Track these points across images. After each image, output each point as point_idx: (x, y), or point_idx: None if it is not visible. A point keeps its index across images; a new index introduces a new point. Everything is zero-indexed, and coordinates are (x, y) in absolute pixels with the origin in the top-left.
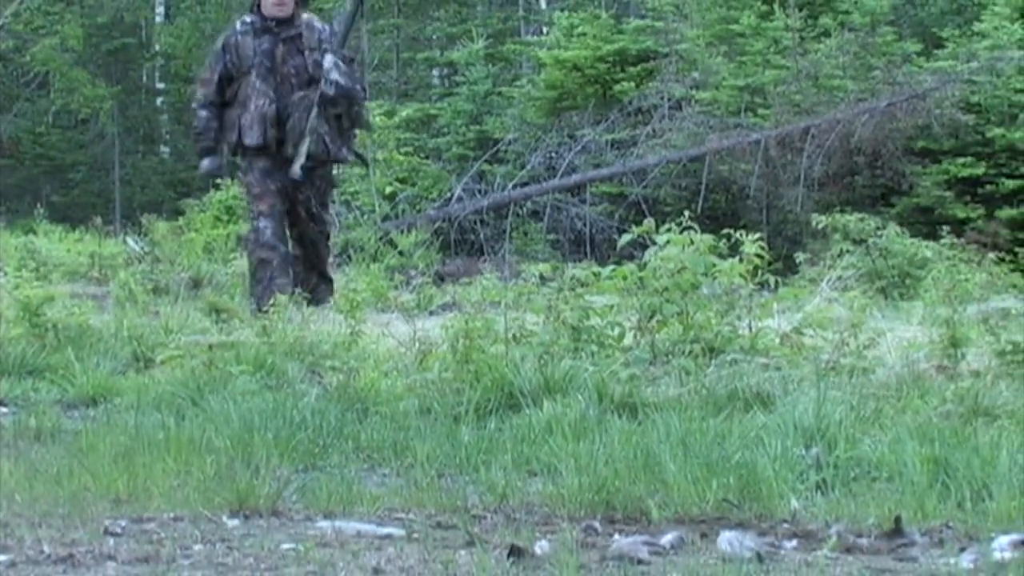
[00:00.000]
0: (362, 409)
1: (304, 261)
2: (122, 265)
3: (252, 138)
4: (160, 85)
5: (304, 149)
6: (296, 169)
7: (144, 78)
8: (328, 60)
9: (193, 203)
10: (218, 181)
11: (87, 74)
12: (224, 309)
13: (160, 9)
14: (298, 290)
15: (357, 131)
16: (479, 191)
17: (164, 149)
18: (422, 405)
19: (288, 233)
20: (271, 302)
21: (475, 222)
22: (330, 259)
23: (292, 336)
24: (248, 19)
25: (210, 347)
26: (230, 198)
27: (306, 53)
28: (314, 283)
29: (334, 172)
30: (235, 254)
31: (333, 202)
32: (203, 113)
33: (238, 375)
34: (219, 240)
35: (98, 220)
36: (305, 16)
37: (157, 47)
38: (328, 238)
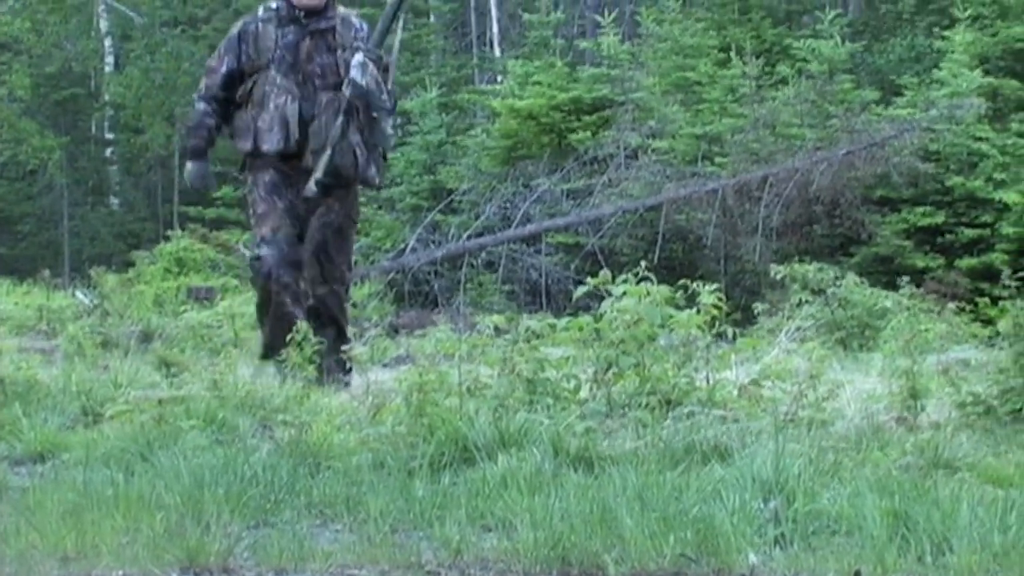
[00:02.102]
0: (314, 464)
1: (313, 315)
2: (71, 318)
3: (272, 142)
4: (109, 135)
5: (325, 161)
6: (312, 185)
7: (93, 128)
8: (357, 58)
9: (143, 255)
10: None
11: (35, 124)
12: (174, 363)
13: (110, 59)
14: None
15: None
16: (433, 241)
17: (114, 200)
18: (375, 459)
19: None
20: (280, 352)
21: (429, 273)
22: (348, 314)
23: (243, 390)
24: (273, 5)
25: (160, 402)
26: (180, 249)
27: (338, 52)
28: (326, 345)
29: (359, 199)
30: (185, 306)
31: (356, 235)
32: (200, 106)
33: (188, 430)
34: (169, 292)
35: (46, 273)
36: (341, 10)
37: (106, 97)
38: (345, 286)
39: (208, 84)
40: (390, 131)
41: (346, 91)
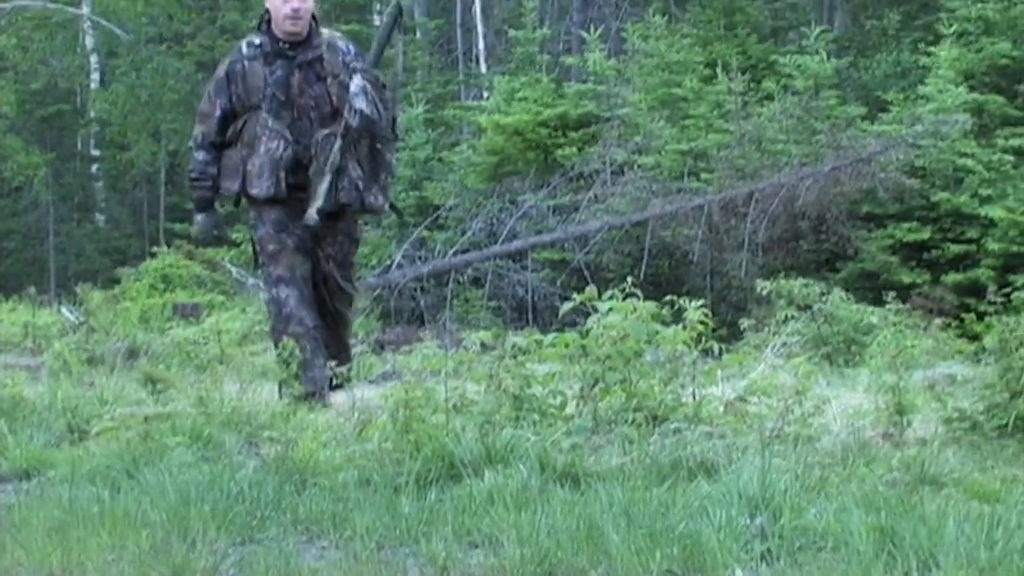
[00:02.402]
0: (300, 480)
1: (326, 333)
2: (56, 335)
3: (261, 188)
4: (95, 152)
5: (323, 189)
6: (312, 213)
7: (79, 145)
8: (355, 83)
9: (129, 271)
10: (154, 250)
11: (21, 141)
12: (160, 380)
13: (95, 75)
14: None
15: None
16: (419, 258)
17: (99, 217)
18: (362, 476)
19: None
20: (323, 387)
21: (415, 289)
22: (352, 329)
23: (229, 406)
24: (256, 41)
25: (146, 418)
26: (166, 266)
27: (328, 80)
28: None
29: (361, 225)
30: (171, 323)
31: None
32: (200, 156)
33: (174, 447)
34: (155, 309)
35: (32, 289)
36: (325, 34)
37: (92, 114)
38: (352, 305)
39: (204, 131)
40: (394, 160)
41: (351, 120)
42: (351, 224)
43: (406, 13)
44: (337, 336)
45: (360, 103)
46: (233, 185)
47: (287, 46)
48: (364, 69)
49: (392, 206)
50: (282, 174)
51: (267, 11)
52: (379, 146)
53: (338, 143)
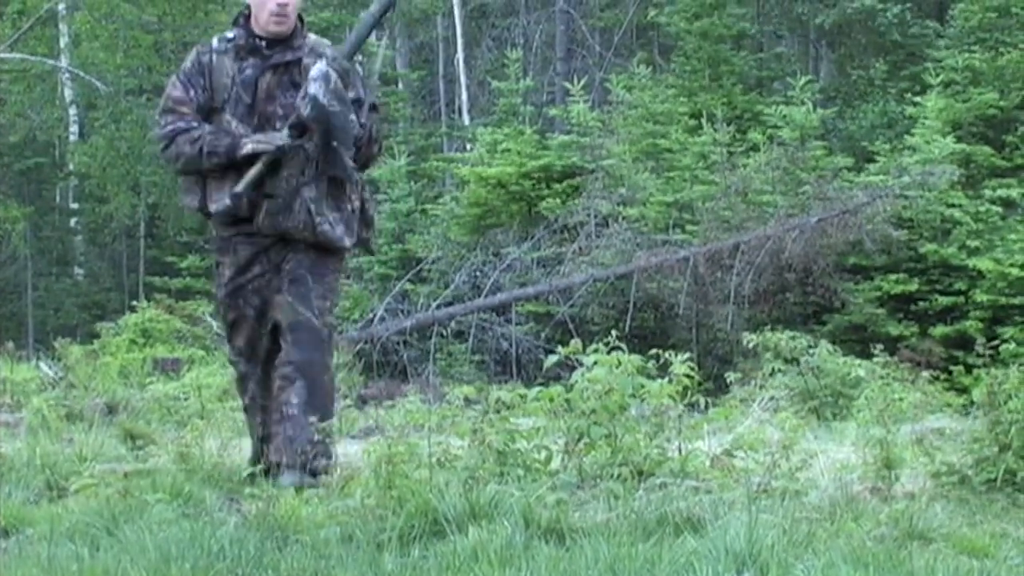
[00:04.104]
0: (282, 537)
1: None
2: (35, 391)
3: (217, 204)
4: (74, 205)
5: (251, 175)
6: (231, 194)
7: (58, 198)
8: (317, 68)
9: (108, 326)
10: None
11: None
12: (140, 435)
13: (74, 128)
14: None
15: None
16: (402, 311)
17: (78, 271)
18: (344, 532)
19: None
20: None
21: (398, 343)
22: (332, 362)
23: (210, 462)
24: (229, 35)
25: (125, 475)
26: (146, 320)
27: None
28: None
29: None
30: (151, 378)
31: (335, 308)
32: (183, 124)
33: (154, 504)
34: (135, 364)
35: (10, 344)
36: (312, 38)
37: (71, 166)
38: (325, 350)
39: (185, 113)
40: (344, 157)
41: (302, 110)
42: (315, 258)
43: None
44: (311, 396)
45: (316, 89)
46: (193, 201)
47: (263, 43)
48: (333, 57)
49: (362, 240)
50: (245, 187)
51: (247, 6)
52: (334, 143)
53: (284, 140)
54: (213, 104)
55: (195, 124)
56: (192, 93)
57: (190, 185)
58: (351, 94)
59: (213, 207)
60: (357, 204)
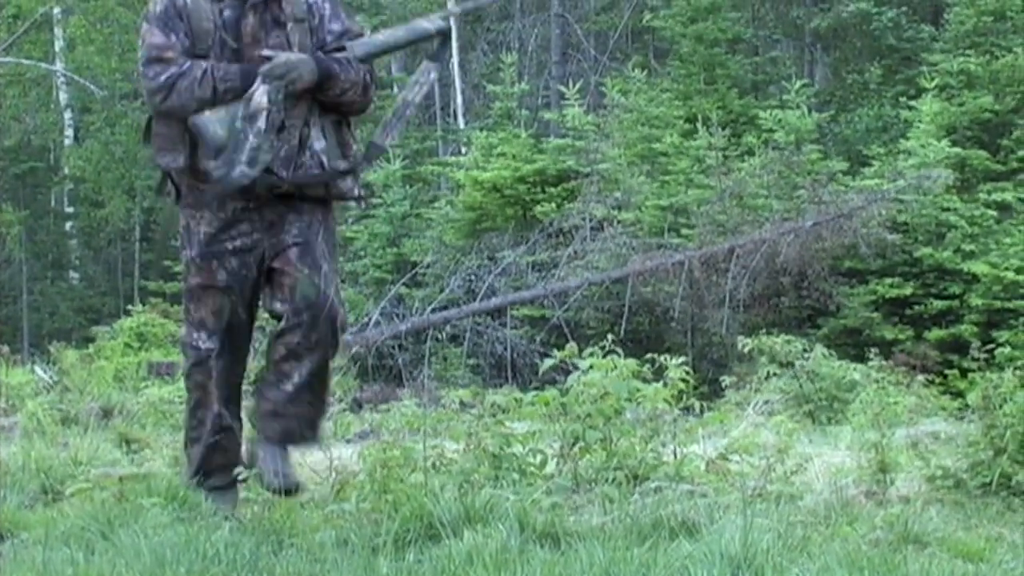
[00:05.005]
0: (277, 541)
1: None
2: (30, 395)
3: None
4: (69, 209)
5: (249, 146)
6: (236, 173)
7: (53, 202)
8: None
9: (103, 330)
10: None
11: None
12: (135, 439)
13: (69, 132)
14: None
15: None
16: (397, 315)
17: (73, 275)
18: (339, 536)
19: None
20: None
21: (393, 347)
22: (327, 409)
23: None
24: None
25: (120, 479)
26: (141, 324)
27: (289, 26)
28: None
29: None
30: (146, 382)
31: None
32: (174, 69)
33: (149, 508)
34: (130, 368)
35: (5, 348)
36: None
37: (66, 170)
38: (337, 341)
39: (173, 58)
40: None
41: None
42: (321, 213)
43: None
44: (312, 380)
45: (336, 24)
46: (175, 159)
47: None
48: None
49: (360, 197)
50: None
51: None
52: (333, 92)
53: (278, 89)
54: (195, 52)
55: (189, 65)
56: (174, 37)
57: (170, 142)
58: (335, 25)
59: (202, 164)
60: (360, 150)
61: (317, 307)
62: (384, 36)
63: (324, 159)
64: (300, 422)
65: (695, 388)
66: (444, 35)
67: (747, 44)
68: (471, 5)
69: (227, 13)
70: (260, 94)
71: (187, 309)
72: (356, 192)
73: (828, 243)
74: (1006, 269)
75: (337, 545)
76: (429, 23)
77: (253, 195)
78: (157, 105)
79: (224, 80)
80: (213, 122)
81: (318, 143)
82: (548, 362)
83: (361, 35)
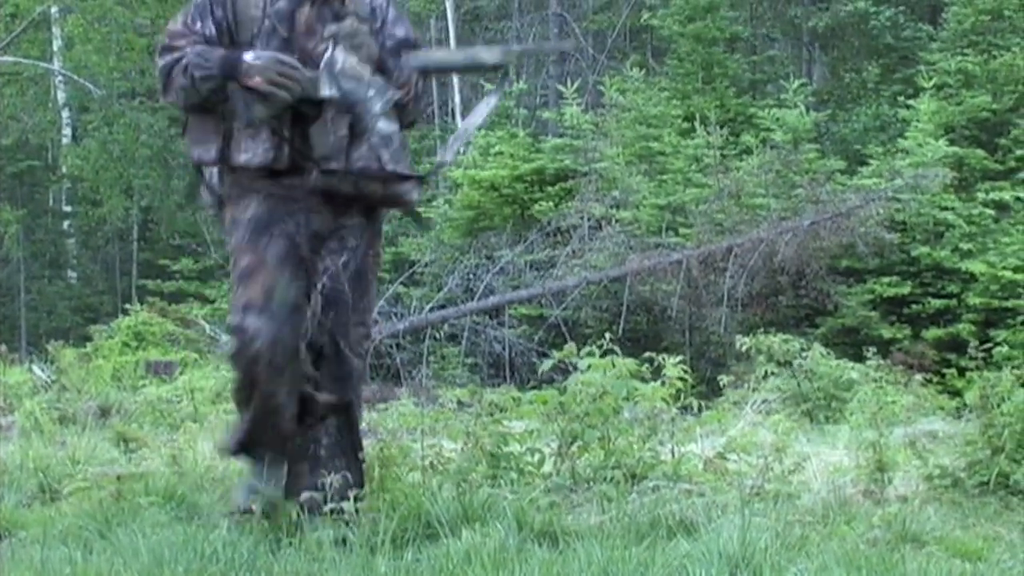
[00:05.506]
0: (275, 540)
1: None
2: (28, 394)
3: (253, 152)
4: (67, 208)
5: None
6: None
7: (51, 201)
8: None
9: (101, 329)
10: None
11: None
12: (133, 439)
13: (67, 131)
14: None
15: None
16: (395, 314)
17: (71, 274)
18: (337, 535)
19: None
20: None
21: (391, 346)
22: (361, 399)
23: (203, 465)
24: None
25: (118, 478)
26: (139, 323)
27: (348, 21)
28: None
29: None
30: (144, 381)
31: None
32: (175, 54)
33: (147, 507)
34: (128, 367)
35: (3, 347)
36: None
37: (64, 169)
38: (362, 356)
39: (181, 47)
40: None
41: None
42: (371, 221)
43: None
44: (335, 404)
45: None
46: (209, 153)
47: None
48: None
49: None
50: (283, 136)
51: None
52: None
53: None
54: (237, 40)
55: (188, 50)
56: (198, 24)
57: (204, 135)
58: (399, 31)
59: (242, 158)
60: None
61: (335, 364)
62: (441, 55)
63: (382, 155)
64: (338, 487)
65: (693, 387)
66: (500, 69)
67: (745, 43)
68: (533, 49)
69: (281, 2)
70: (340, 52)
71: (236, 293)
72: (415, 196)
73: (826, 242)
74: (1004, 268)
75: (335, 544)
76: (489, 55)
77: (299, 196)
78: (162, 95)
79: (200, 67)
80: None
81: (374, 137)
82: (546, 361)
83: (419, 47)
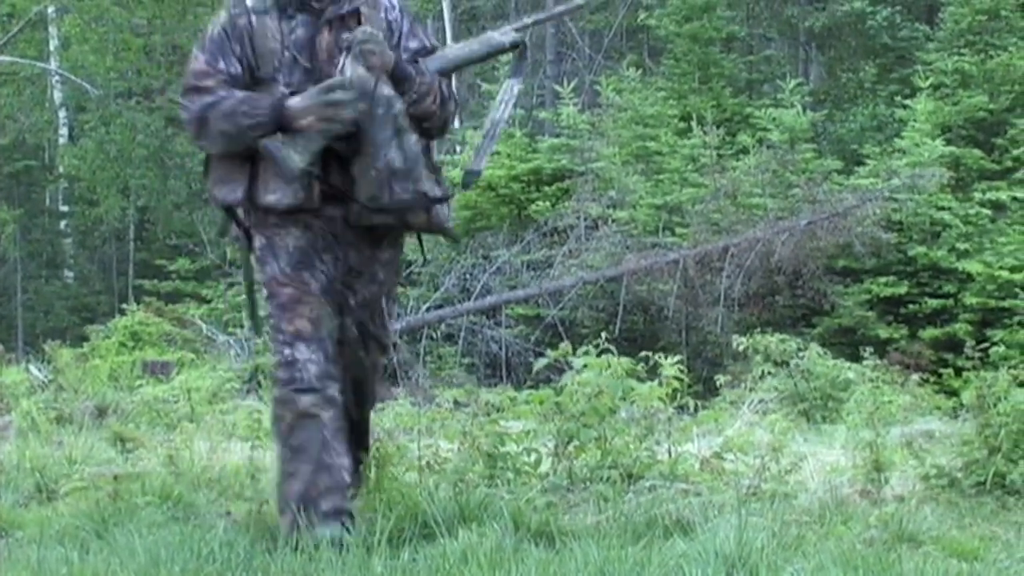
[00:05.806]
0: (272, 540)
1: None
2: (24, 393)
3: (281, 192)
4: (64, 208)
5: (392, 158)
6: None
7: (47, 201)
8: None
9: (98, 329)
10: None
11: None
12: (130, 439)
13: (64, 130)
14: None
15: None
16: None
17: (68, 274)
18: (333, 535)
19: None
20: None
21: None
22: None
23: (200, 465)
24: None
25: (115, 478)
26: (135, 323)
27: None
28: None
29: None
30: (141, 381)
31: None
32: (209, 97)
33: (144, 507)
34: (124, 367)
35: None
36: None
37: (61, 169)
38: (381, 378)
39: (211, 87)
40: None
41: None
42: (397, 251)
43: None
44: (358, 424)
45: (413, 42)
46: (233, 194)
47: None
48: (394, 5)
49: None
50: (316, 172)
51: None
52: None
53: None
54: (259, 75)
55: (224, 94)
56: (222, 63)
57: (228, 175)
58: (412, 43)
59: (270, 198)
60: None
61: (362, 390)
62: (457, 50)
63: (423, 184)
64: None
65: (689, 387)
66: (519, 48)
67: (741, 43)
68: (544, 16)
69: (299, 31)
70: (351, 65)
71: (278, 327)
72: (450, 222)
73: (823, 242)
74: (1000, 268)
75: (332, 544)
76: (503, 36)
77: (340, 224)
78: (193, 138)
79: (249, 115)
80: (287, 146)
81: (407, 163)
82: (542, 361)
83: (435, 51)
